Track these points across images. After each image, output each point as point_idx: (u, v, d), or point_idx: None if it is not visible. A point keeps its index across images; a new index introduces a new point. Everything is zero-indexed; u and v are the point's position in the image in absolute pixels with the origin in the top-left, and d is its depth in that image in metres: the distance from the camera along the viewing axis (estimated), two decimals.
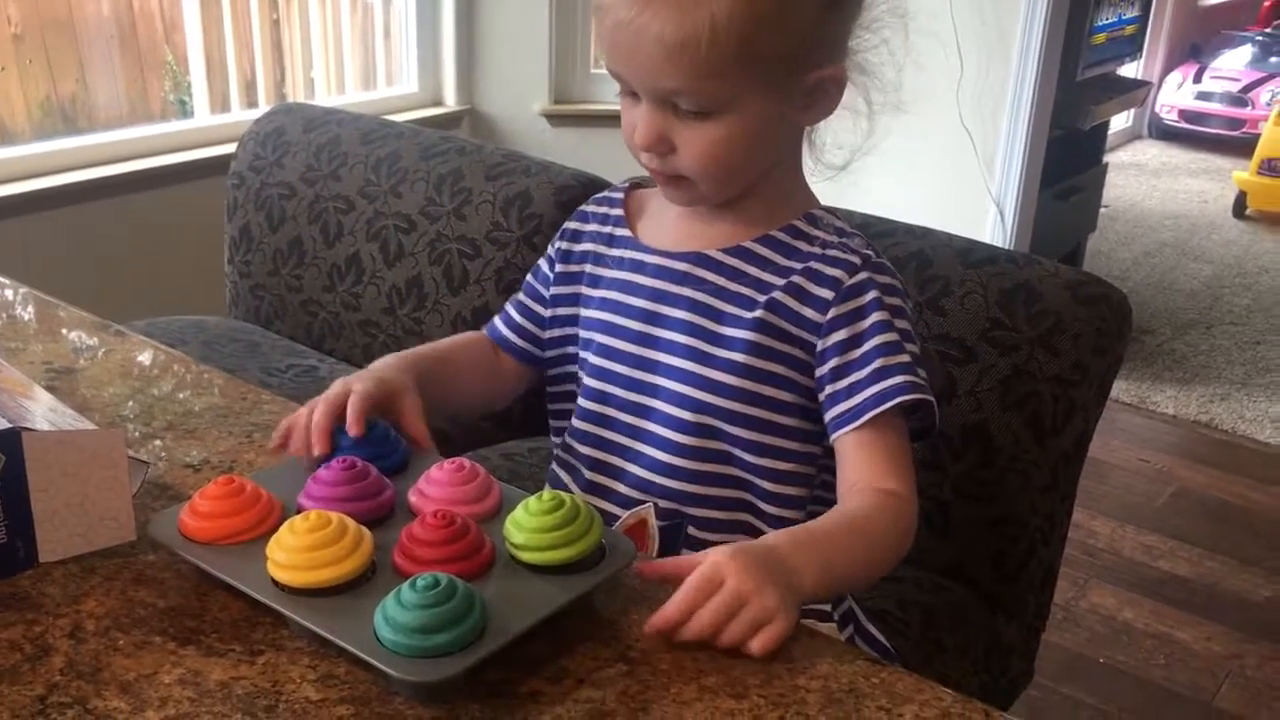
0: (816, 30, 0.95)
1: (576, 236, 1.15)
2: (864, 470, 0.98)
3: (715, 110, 0.95)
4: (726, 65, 0.92)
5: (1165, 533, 2.69)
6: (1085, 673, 2.20)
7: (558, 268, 1.15)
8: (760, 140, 0.98)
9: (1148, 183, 5.55)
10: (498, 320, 1.21)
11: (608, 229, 1.12)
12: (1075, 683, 2.17)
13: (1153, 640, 2.30)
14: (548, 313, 1.16)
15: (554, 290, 1.15)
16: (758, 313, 1.01)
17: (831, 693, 0.79)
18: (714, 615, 0.81)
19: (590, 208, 1.16)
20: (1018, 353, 1.31)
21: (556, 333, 1.15)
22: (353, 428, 0.97)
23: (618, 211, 1.12)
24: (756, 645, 0.81)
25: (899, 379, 0.97)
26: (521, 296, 1.20)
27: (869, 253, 1.03)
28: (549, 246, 1.19)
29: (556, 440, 1.17)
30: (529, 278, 1.20)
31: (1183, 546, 2.64)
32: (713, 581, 0.82)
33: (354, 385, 1.01)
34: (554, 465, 1.16)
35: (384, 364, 1.09)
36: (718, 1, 0.90)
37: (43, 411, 0.96)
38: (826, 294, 1.01)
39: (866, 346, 0.99)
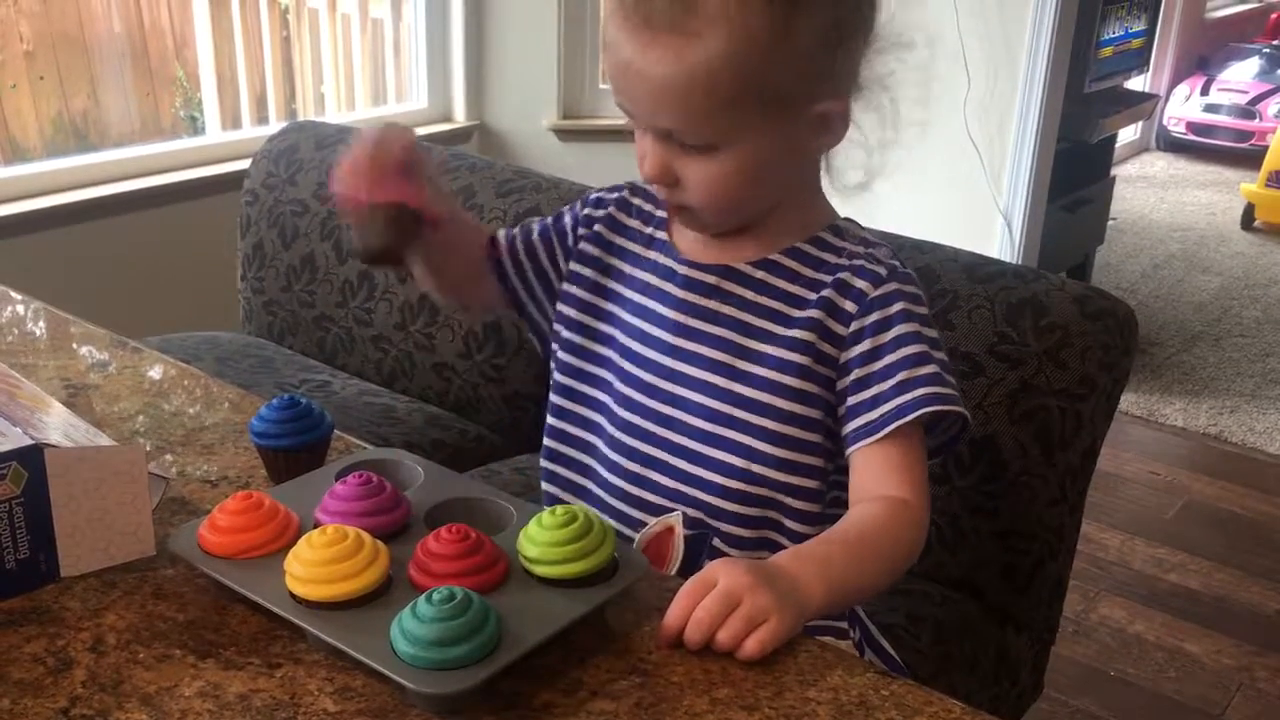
0: (814, 66, 0.95)
1: (616, 226, 1.13)
2: (877, 479, 0.99)
3: (717, 145, 0.96)
4: (723, 105, 0.93)
5: (1175, 545, 2.69)
6: (1096, 685, 2.20)
7: (585, 247, 1.13)
8: (765, 172, 0.99)
9: (1156, 195, 5.55)
10: (502, 236, 1.19)
11: (649, 230, 1.11)
12: (1086, 695, 2.17)
13: (1163, 653, 2.30)
14: (562, 287, 1.14)
15: (577, 268, 1.13)
16: (797, 332, 1.02)
17: (842, 705, 0.80)
18: (708, 614, 0.82)
19: (637, 200, 1.14)
20: (1025, 366, 1.32)
21: (573, 314, 1.13)
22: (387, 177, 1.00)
23: (661, 214, 1.11)
24: (751, 643, 0.82)
25: (923, 390, 0.98)
26: (535, 239, 1.17)
27: (895, 263, 1.04)
28: (579, 206, 1.16)
29: (554, 439, 1.15)
30: (549, 224, 1.17)
31: (1193, 559, 2.63)
32: (706, 584, 0.84)
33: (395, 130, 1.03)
34: (551, 464, 1.15)
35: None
36: (714, 44, 0.90)
37: (59, 426, 0.97)
38: (851, 307, 1.01)
39: (891, 358, 0.99)
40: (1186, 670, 2.25)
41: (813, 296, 1.02)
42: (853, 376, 1.01)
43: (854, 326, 1.01)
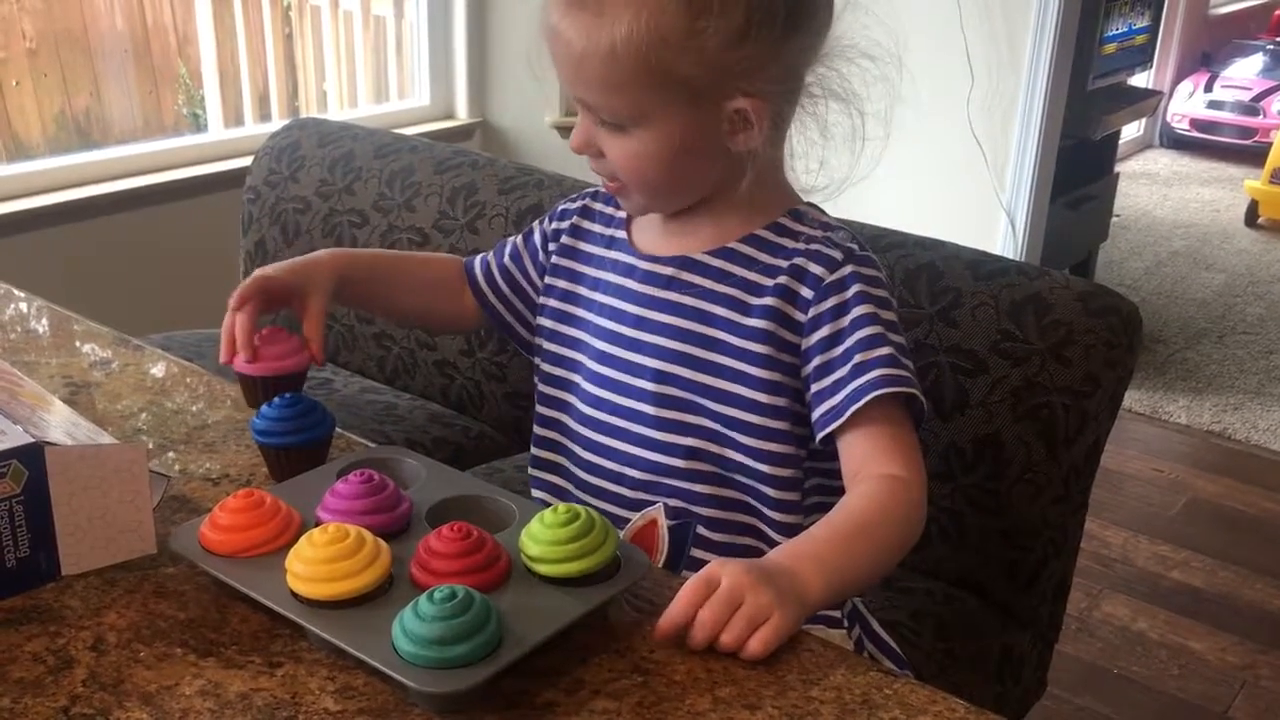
0: (726, 61, 0.94)
1: (580, 234, 1.16)
2: (866, 459, 0.98)
3: (627, 124, 0.98)
4: (626, 86, 0.94)
5: (1179, 543, 2.68)
6: (1099, 684, 2.20)
7: (556, 259, 1.16)
8: (681, 160, 0.99)
9: (1159, 192, 5.54)
10: (478, 264, 1.24)
11: (610, 231, 1.13)
12: (1089, 694, 2.16)
13: (1167, 651, 2.30)
14: (539, 300, 1.17)
15: (550, 281, 1.16)
16: (757, 321, 1.02)
17: (845, 704, 0.79)
18: (712, 613, 0.82)
19: (597, 205, 1.16)
20: (1029, 364, 1.31)
21: (548, 325, 1.15)
22: (243, 350, 1.10)
23: (621, 214, 1.13)
24: (755, 642, 0.81)
25: (876, 373, 0.98)
26: (506, 262, 1.22)
27: (852, 246, 1.03)
28: (545, 221, 1.20)
29: (539, 447, 1.17)
30: (519, 244, 1.22)
31: (1196, 556, 2.63)
32: (709, 584, 0.84)
33: (264, 281, 1.11)
34: (538, 471, 1.16)
35: (314, 259, 1.17)
36: (621, 26, 0.92)
37: (61, 425, 0.97)
38: (808, 293, 1.01)
39: (849, 342, 1.00)
40: (1190, 668, 2.25)
41: (770, 283, 1.02)
42: (814, 363, 1.01)
43: (812, 313, 1.01)
